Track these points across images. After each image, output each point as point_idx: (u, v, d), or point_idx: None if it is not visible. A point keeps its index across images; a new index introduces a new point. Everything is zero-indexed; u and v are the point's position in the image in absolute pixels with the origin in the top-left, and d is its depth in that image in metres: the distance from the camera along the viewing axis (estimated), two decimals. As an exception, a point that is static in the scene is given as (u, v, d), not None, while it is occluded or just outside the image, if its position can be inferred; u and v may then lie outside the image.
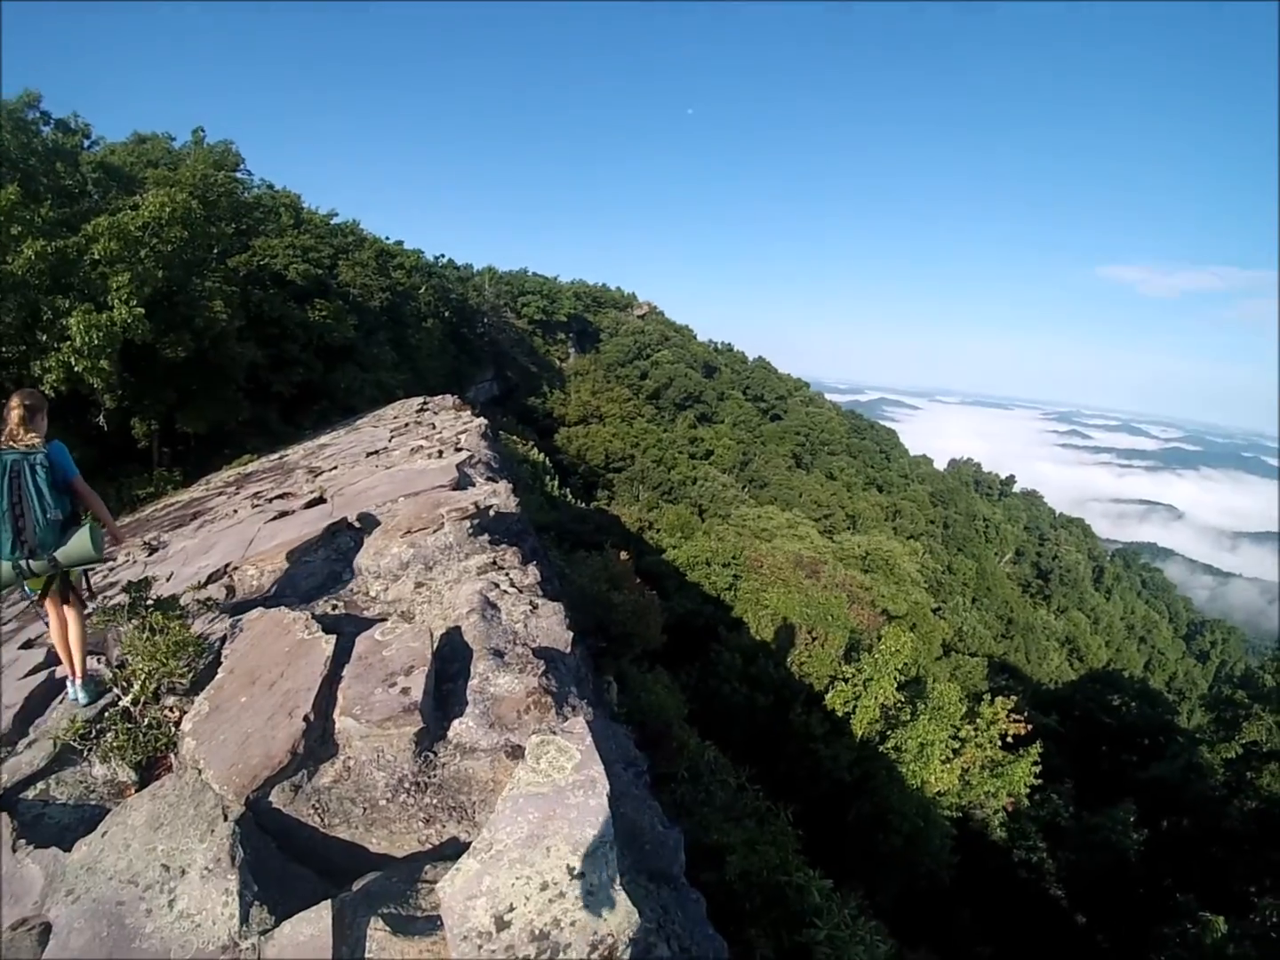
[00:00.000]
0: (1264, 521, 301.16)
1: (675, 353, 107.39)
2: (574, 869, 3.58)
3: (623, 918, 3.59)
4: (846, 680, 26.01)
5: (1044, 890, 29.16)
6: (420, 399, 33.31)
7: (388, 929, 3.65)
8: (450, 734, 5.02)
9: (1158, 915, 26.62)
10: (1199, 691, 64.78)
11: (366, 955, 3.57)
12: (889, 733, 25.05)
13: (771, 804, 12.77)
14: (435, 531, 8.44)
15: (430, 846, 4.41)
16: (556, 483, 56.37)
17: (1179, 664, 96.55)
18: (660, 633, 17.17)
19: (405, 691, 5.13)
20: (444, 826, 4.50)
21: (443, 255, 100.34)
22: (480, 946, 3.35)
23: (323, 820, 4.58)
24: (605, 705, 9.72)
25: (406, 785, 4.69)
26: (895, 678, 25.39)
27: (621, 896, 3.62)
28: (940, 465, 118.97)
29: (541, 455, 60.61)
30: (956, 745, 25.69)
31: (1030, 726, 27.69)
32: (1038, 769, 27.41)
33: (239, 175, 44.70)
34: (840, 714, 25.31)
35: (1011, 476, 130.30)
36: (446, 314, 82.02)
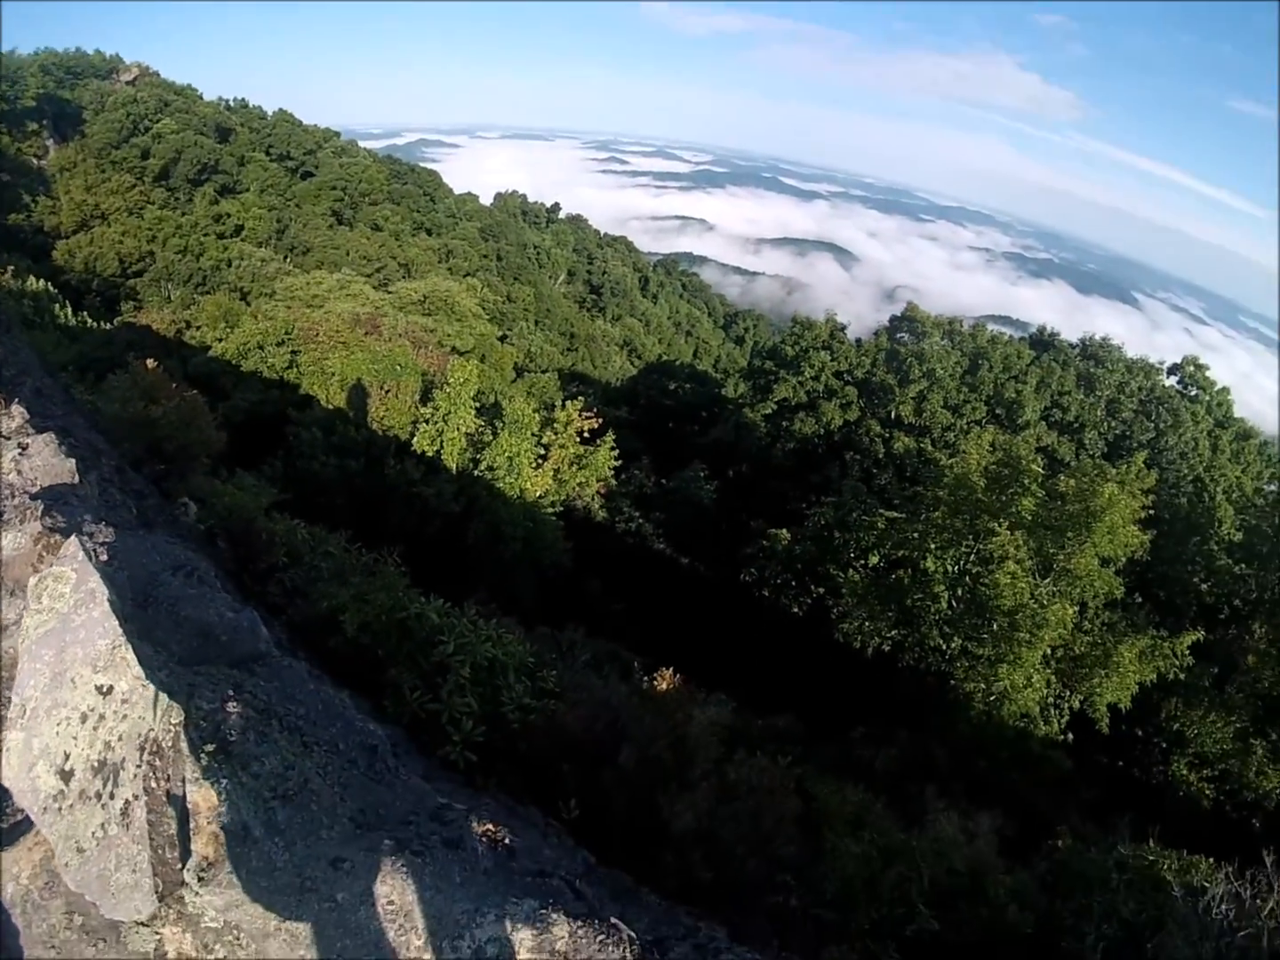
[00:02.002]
0: (779, 229, 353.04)
1: (179, 120, 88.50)
2: (102, 686, 3.50)
3: (163, 709, 3.66)
4: (428, 421, 26.45)
5: (649, 548, 34.40)
6: None
7: (-10, 849, 3.53)
8: (-26, 621, 4.44)
9: (739, 541, 32.61)
10: (738, 367, 74.88)
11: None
12: (479, 456, 26.28)
13: (377, 554, 12.97)
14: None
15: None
16: (69, 310, 47.25)
17: (721, 349, 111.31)
18: (218, 432, 15.80)
19: (-102, 600, 4.45)
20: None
21: None
22: (60, 808, 3.33)
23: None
24: (177, 524, 9.13)
25: (-54, 698, 4.16)
26: (471, 406, 26.24)
27: (152, 690, 3.63)
28: (487, 201, 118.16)
29: (41, 282, 50.04)
30: (542, 451, 27.84)
31: (602, 420, 30.47)
32: (616, 453, 30.82)
33: None
34: (431, 454, 25.91)
35: (557, 204, 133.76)
36: None
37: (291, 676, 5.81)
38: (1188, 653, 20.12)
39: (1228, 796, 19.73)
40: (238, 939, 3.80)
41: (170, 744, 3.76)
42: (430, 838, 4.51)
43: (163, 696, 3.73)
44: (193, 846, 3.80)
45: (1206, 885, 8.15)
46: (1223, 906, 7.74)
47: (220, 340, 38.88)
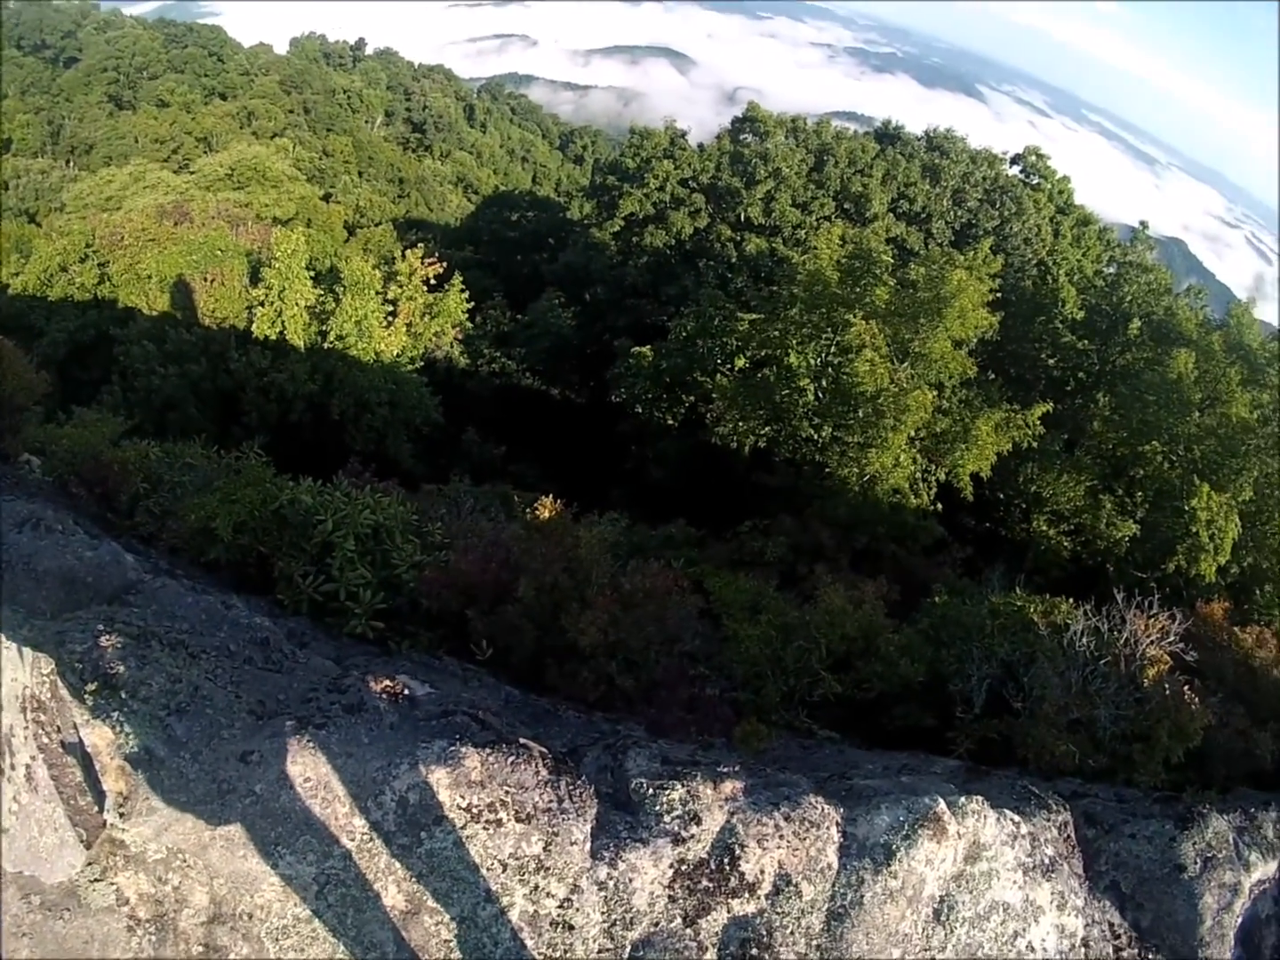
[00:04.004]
0: (609, 38, 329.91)
1: (-98, 39, 75.19)
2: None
3: (29, 663, 3.76)
4: (263, 303, 25.04)
5: (518, 386, 34.53)
6: None
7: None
8: None
9: (604, 363, 32.30)
10: (580, 187, 72.13)
11: None
12: (326, 328, 25.23)
13: (238, 452, 12.55)
14: None
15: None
16: None
17: (560, 171, 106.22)
18: (39, 374, 14.50)
19: None
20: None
21: None
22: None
23: None
24: (23, 484, 8.93)
25: None
26: (306, 277, 24.96)
27: (14, 649, 3.74)
28: (282, 49, 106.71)
29: None
30: (390, 308, 26.86)
31: (446, 263, 29.44)
32: (467, 295, 30.01)
33: None
34: (274, 337, 24.71)
35: (361, 39, 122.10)
36: None
37: (168, 595, 5.89)
38: (1039, 423, 22.02)
39: (1083, 546, 22.09)
40: (184, 860, 3.89)
41: (49, 695, 3.80)
42: (331, 709, 4.63)
43: (26, 651, 3.73)
44: (105, 785, 3.85)
45: (1069, 623, 9.14)
46: (1084, 640, 8.78)
47: (16, 274, 34.97)
